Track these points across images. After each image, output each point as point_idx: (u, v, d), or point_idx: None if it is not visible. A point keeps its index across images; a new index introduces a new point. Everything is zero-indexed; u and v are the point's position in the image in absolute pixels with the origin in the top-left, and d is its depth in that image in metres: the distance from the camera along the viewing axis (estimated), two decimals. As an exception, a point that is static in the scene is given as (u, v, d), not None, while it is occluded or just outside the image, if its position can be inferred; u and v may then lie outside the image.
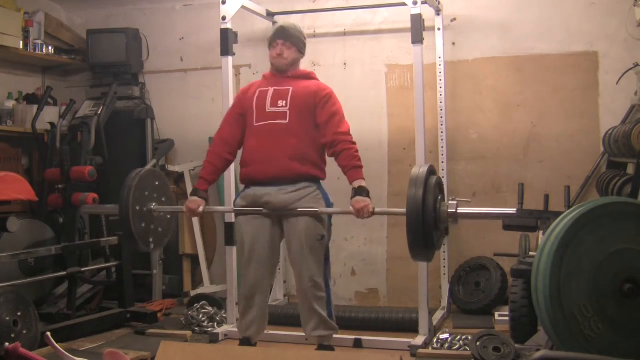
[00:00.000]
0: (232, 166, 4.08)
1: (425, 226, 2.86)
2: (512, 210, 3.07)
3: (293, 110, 3.38)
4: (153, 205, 3.53)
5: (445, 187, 4.60)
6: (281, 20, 5.03)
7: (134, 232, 3.41)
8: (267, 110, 3.40)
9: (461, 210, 3.01)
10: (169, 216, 3.70)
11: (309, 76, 3.55)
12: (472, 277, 4.64)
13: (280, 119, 3.39)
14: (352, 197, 3.29)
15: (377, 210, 3.29)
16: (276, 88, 3.45)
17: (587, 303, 2.48)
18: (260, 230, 3.42)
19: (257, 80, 3.62)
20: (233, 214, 4.08)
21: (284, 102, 3.40)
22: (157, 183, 3.58)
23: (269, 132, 3.39)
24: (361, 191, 3.29)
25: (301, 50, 3.53)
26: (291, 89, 3.43)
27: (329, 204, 3.44)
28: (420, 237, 2.86)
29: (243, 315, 3.49)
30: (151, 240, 3.55)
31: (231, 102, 4.18)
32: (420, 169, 2.97)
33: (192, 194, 3.51)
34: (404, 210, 2.91)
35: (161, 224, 3.62)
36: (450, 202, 3.02)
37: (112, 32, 5.33)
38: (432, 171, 3.01)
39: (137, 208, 3.44)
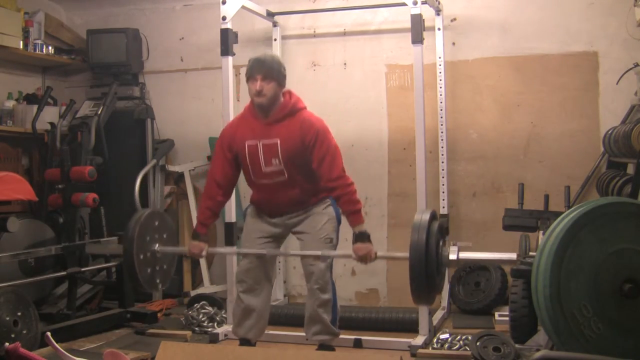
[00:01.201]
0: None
1: (428, 272, 2.90)
2: (513, 256, 3.12)
3: (288, 164, 3.35)
4: (156, 247, 3.53)
5: (445, 187, 4.64)
6: (281, 20, 5.05)
7: (142, 281, 3.44)
8: (264, 171, 3.38)
9: (463, 255, 3.05)
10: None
11: (292, 112, 3.37)
12: (472, 277, 4.64)
13: (278, 177, 3.38)
14: (353, 243, 3.31)
15: (379, 254, 3.33)
16: (264, 142, 3.34)
17: (587, 303, 2.48)
18: (266, 244, 3.51)
19: (239, 122, 3.49)
20: (233, 217, 4.10)
21: (277, 159, 3.33)
22: (157, 223, 3.56)
23: (271, 189, 3.44)
24: (362, 237, 3.30)
25: (281, 83, 3.35)
26: (278, 141, 3.32)
27: (337, 215, 3.51)
28: (423, 283, 2.92)
29: (241, 319, 3.51)
30: (158, 281, 3.58)
31: (231, 102, 4.20)
32: (422, 215, 3.01)
33: (194, 237, 3.54)
34: (406, 254, 2.95)
35: (165, 261, 3.63)
36: (451, 247, 3.06)
37: (112, 32, 5.33)
38: (434, 216, 3.05)
39: (141, 257, 3.44)
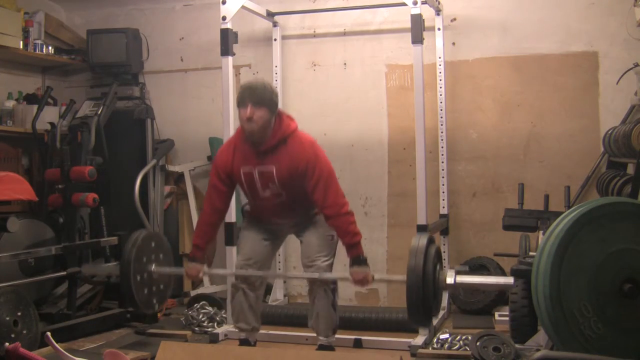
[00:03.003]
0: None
1: (425, 296, 2.96)
2: (510, 280, 3.16)
3: (285, 187, 3.36)
4: (153, 268, 3.56)
5: (445, 187, 4.64)
6: (281, 20, 5.05)
7: (139, 302, 3.48)
8: (262, 195, 3.41)
9: (460, 279, 3.09)
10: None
11: (284, 139, 3.34)
12: (472, 277, 4.64)
13: (277, 199, 3.41)
14: (350, 266, 3.32)
15: (376, 277, 3.36)
16: (259, 169, 3.34)
17: (587, 303, 2.48)
18: (262, 249, 3.54)
19: (233, 146, 3.45)
20: (233, 217, 4.10)
21: (274, 184, 3.35)
22: (153, 244, 3.60)
23: (270, 208, 3.47)
24: (359, 261, 3.30)
25: (272, 110, 3.30)
26: (274, 169, 3.32)
27: None
28: (420, 307, 2.97)
29: (239, 312, 3.52)
30: (155, 301, 3.61)
31: (231, 102, 4.19)
32: (419, 239, 3.06)
33: (190, 260, 3.53)
34: (403, 277, 3.01)
35: (162, 280, 3.67)
36: (448, 271, 3.10)
37: (112, 32, 5.32)
38: (431, 241, 3.09)
39: (138, 278, 3.48)
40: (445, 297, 4.60)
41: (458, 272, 3.09)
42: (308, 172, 3.29)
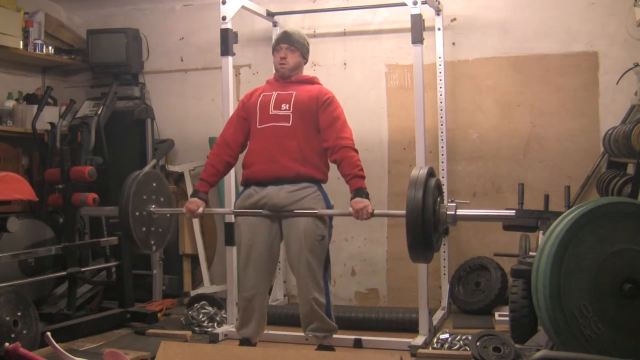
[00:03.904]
0: (233, 168, 4.10)
1: (425, 228, 2.87)
2: (511, 212, 3.07)
3: (296, 114, 3.41)
4: (152, 207, 3.55)
5: (445, 187, 4.64)
6: (281, 20, 5.05)
7: (136, 238, 3.45)
8: (270, 113, 3.43)
9: (460, 212, 3.02)
10: (168, 215, 3.71)
11: (312, 81, 3.59)
12: (472, 277, 4.64)
13: (283, 122, 3.41)
14: (351, 199, 3.28)
15: (376, 212, 3.29)
16: (279, 92, 3.50)
17: (587, 303, 2.48)
18: (258, 231, 3.42)
19: (261, 86, 3.65)
20: (233, 217, 4.08)
21: (287, 105, 3.43)
22: (154, 184, 3.59)
23: (271, 134, 3.41)
24: (360, 192, 3.29)
25: (304, 55, 3.59)
26: (294, 92, 3.47)
27: (329, 206, 3.44)
28: (420, 239, 2.88)
29: (243, 319, 3.49)
30: (152, 242, 3.58)
31: (231, 102, 4.20)
32: (419, 170, 2.98)
33: (192, 195, 3.53)
34: (403, 212, 2.92)
35: (161, 224, 3.63)
36: (449, 204, 3.02)
37: (112, 32, 5.33)
38: (431, 173, 3.02)
39: (137, 214, 3.45)
40: (445, 297, 4.61)
41: (458, 206, 3.01)
42: (332, 105, 3.44)
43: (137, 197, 3.43)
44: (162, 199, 3.62)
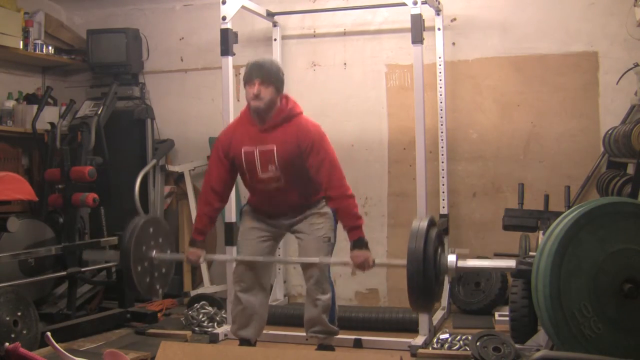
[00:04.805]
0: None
1: (426, 279, 2.90)
2: (511, 262, 3.12)
3: (284, 171, 3.33)
4: (154, 254, 3.55)
5: (445, 187, 4.64)
6: (281, 20, 5.05)
7: (141, 290, 3.49)
8: (260, 176, 3.36)
9: (461, 263, 3.05)
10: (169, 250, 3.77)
11: (289, 117, 3.34)
12: (472, 277, 4.63)
13: (274, 183, 3.36)
14: (351, 250, 3.29)
15: (377, 262, 3.31)
16: (260, 148, 3.31)
17: (587, 303, 2.48)
18: (261, 245, 3.51)
19: (237, 125, 3.47)
20: (233, 217, 4.09)
21: (273, 166, 3.31)
22: (152, 230, 3.58)
23: (268, 194, 3.43)
24: (360, 244, 3.27)
25: (279, 88, 3.32)
26: (275, 147, 3.29)
27: (334, 213, 3.48)
28: (421, 290, 2.91)
29: (240, 320, 3.50)
30: (158, 287, 3.61)
31: (231, 102, 4.20)
32: (420, 222, 3.00)
33: (191, 244, 3.53)
34: (404, 261, 2.95)
35: (164, 265, 3.67)
36: (450, 255, 3.05)
37: (112, 32, 5.32)
38: (432, 223, 3.05)
39: (139, 268, 3.48)
40: (445, 297, 4.61)
41: (459, 256, 3.02)
42: (314, 150, 3.26)
43: (137, 251, 3.46)
44: (161, 240, 3.63)
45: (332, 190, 3.28)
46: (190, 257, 3.49)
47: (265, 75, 3.25)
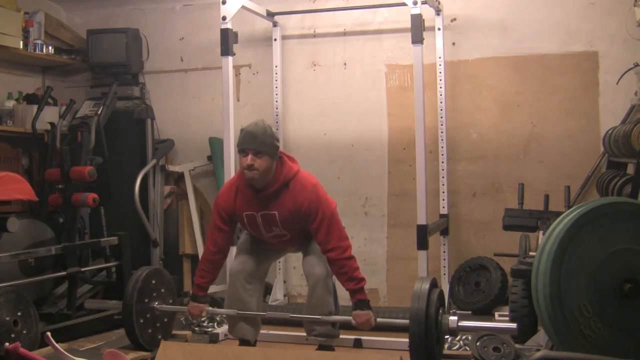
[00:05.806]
0: (232, 161, 4.13)
1: (428, 340, 2.97)
2: (513, 325, 3.17)
3: (288, 229, 3.38)
4: (156, 304, 3.66)
5: (445, 187, 4.64)
6: (281, 20, 5.05)
7: (144, 344, 3.58)
8: (265, 236, 3.44)
9: (462, 324, 3.12)
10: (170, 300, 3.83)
11: (285, 183, 3.31)
12: (472, 277, 4.63)
13: (281, 237, 3.45)
14: (353, 309, 3.33)
15: (379, 320, 3.33)
16: (262, 214, 3.34)
17: (587, 303, 2.48)
18: (261, 256, 3.56)
19: (234, 189, 3.41)
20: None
21: (277, 227, 3.36)
22: (153, 282, 3.69)
23: (272, 243, 3.52)
24: (362, 305, 3.30)
25: (274, 155, 3.26)
26: (277, 214, 3.32)
27: None
28: (423, 351, 2.97)
29: (236, 320, 3.51)
30: (160, 337, 3.68)
31: (231, 102, 4.20)
32: (422, 283, 3.08)
33: (192, 299, 3.54)
34: (406, 322, 3.01)
35: (166, 315, 3.75)
36: (451, 317, 3.11)
37: (112, 32, 5.32)
38: (434, 284, 3.10)
39: (142, 321, 3.56)
40: (445, 297, 4.60)
41: (460, 318, 3.11)
42: (311, 214, 3.28)
43: (139, 305, 3.56)
44: (163, 290, 3.75)
45: (330, 252, 3.30)
46: (193, 312, 3.54)
47: (259, 146, 3.20)
